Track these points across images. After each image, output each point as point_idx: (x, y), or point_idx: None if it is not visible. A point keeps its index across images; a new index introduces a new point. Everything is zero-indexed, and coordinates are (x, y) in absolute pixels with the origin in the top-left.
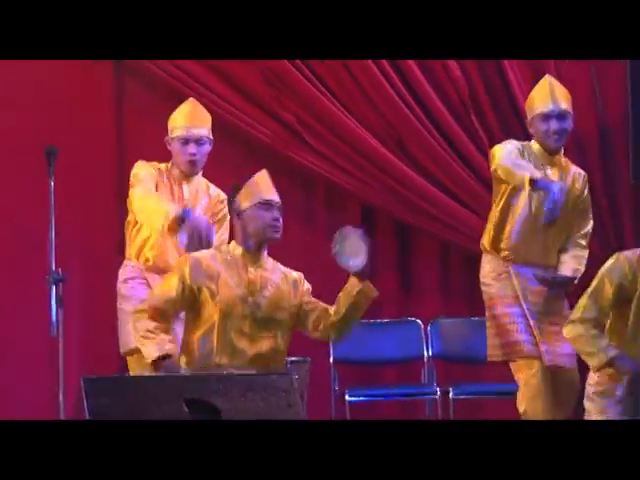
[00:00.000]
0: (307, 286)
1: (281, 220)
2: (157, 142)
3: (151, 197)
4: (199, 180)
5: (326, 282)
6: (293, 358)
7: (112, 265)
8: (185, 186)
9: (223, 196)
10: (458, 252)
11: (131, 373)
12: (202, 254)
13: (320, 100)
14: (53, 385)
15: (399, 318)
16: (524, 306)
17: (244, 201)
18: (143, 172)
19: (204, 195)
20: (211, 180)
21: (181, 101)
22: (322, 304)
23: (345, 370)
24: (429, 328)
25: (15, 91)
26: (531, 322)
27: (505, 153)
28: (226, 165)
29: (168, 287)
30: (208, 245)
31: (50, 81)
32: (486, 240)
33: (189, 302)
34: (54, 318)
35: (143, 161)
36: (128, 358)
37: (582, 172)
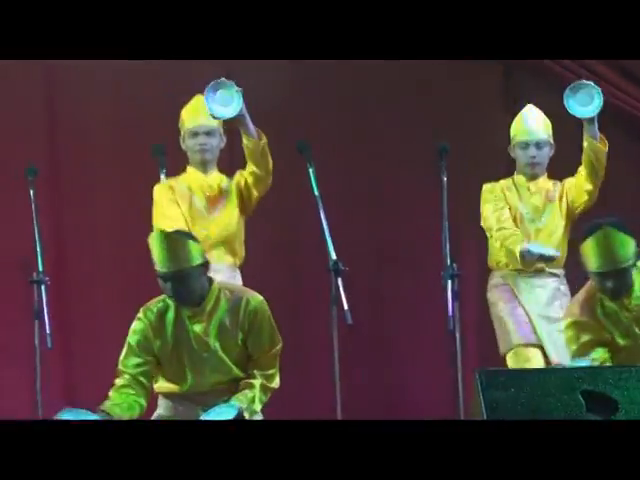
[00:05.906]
0: None
1: None
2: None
3: (503, 235)
4: (545, 180)
5: None
6: None
7: None
8: (531, 188)
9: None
10: None
11: None
12: None
13: None
14: (445, 382)
15: None
16: None
17: None
18: (491, 196)
19: (553, 187)
20: None
21: None
22: None
23: None
24: None
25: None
26: None
27: None
28: None
29: None
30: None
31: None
32: None
33: None
34: (450, 313)
35: (489, 184)
36: (507, 357)
37: None
